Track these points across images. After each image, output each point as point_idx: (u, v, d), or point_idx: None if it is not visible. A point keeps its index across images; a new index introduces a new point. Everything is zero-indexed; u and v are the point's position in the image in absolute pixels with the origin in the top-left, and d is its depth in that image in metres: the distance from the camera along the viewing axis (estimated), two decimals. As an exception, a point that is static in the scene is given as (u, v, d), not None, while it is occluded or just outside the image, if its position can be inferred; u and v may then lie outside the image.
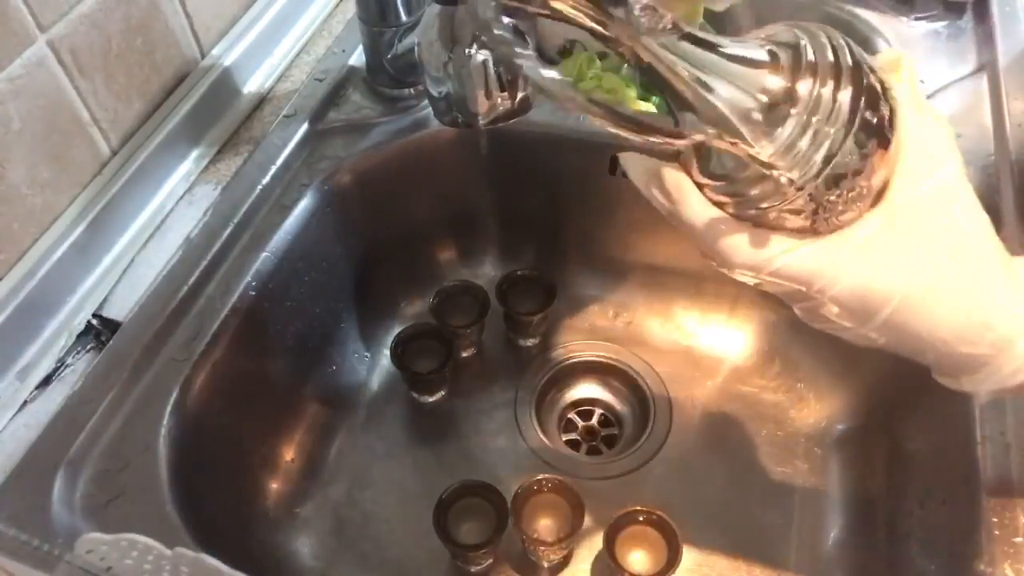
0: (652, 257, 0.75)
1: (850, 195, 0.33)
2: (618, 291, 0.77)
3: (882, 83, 0.34)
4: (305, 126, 0.66)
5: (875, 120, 0.32)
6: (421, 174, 0.70)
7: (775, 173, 0.32)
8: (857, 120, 0.32)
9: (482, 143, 0.70)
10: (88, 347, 0.54)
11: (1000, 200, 0.59)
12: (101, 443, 0.49)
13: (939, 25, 0.74)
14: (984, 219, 0.34)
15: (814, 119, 0.32)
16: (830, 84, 0.32)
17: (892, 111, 0.34)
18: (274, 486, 0.62)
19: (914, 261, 0.33)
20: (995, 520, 0.45)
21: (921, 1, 0.76)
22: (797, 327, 0.71)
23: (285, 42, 0.74)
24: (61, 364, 0.53)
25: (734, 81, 0.32)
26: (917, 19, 0.75)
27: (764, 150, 0.32)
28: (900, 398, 0.61)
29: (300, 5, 0.76)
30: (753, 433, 0.69)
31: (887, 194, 0.34)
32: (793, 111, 0.32)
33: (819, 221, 0.34)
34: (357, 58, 0.72)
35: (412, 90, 0.68)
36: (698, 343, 0.74)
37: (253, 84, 0.70)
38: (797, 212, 0.34)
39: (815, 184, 0.32)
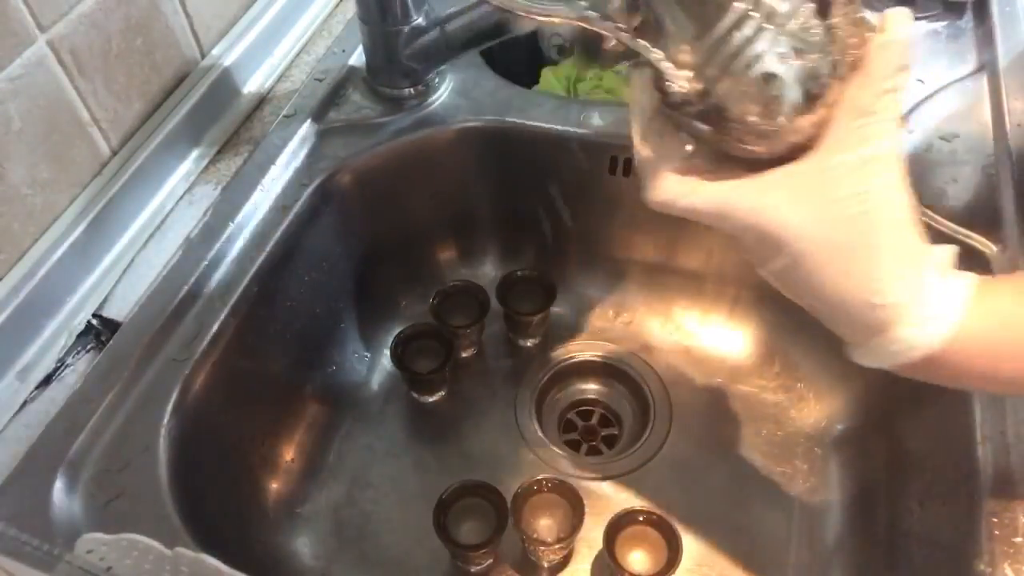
0: (652, 257, 0.75)
1: (746, 127, 0.33)
2: (618, 291, 0.77)
3: (833, 34, 0.32)
4: (305, 126, 0.66)
5: (798, 63, 0.32)
6: (421, 174, 0.70)
7: (669, 75, 0.33)
8: (766, 50, 0.31)
9: (482, 143, 0.70)
10: (88, 347, 0.54)
11: (1000, 200, 0.59)
12: (101, 443, 0.49)
13: (939, 25, 0.74)
14: (903, 203, 0.34)
15: (743, 29, 0.31)
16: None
17: (835, 67, 0.33)
18: (274, 486, 0.62)
19: (816, 216, 0.34)
20: (995, 520, 0.45)
21: (921, 1, 0.76)
22: (797, 327, 0.71)
23: (285, 42, 0.74)
24: (61, 364, 0.53)
25: None
26: (917, 19, 0.75)
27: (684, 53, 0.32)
28: (900, 398, 0.61)
29: (300, 5, 0.76)
30: (753, 433, 0.69)
31: (815, 147, 0.34)
32: (732, 8, 0.31)
33: (721, 140, 0.34)
34: (357, 58, 0.72)
35: (412, 90, 0.69)
36: (698, 343, 0.74)
37: (253, 84, 0.70)
38: (704, 120, 0.34)
39: (707, 97, 0.33)
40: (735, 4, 0.31)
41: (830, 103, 0.33)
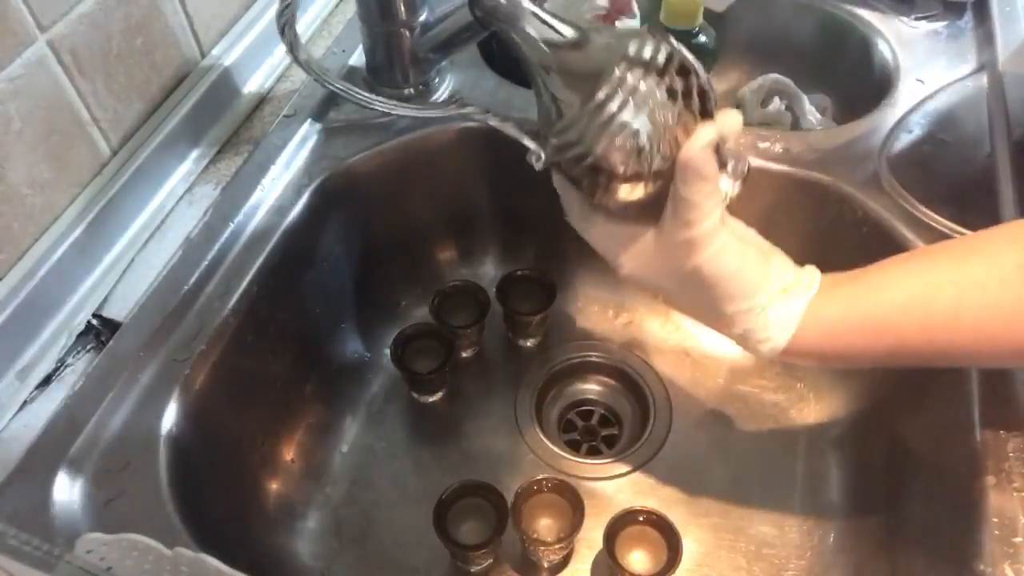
0: (652, 257, 0.75)
1: (619, 178, 0.43)
2: (618, 291, 0.77)
3: (676, 115, 0.41)
4: (305, 126, 0.66)
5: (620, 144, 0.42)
6: (421, 174, 0.70)
7: (527, 145, 0.46)
8: (602, 131, 0.41)
9: (482, 143, 0.70)
10: (88, 347, 0.54)
11: (1000, 200, 0.59)
12: (101, 443, 0.49)
13: (939, 25, 0.74)
14: (734, 258, 0.44)
15: (613, 102, 0.41)
16: (640, 76, 0.41)
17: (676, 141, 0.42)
18: (274, 486, 0.62)
19: (671, 282, 0.46)
20: (995, 520, 0.45)
21: (921, 1, 0.76)
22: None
23: (285, 42, 0.74)
24: (61, 364, 0.53)
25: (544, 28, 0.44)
26: (917, 19, 0.75)
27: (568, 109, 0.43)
28: (900, 398, 0.61)
29: (300, 5, 0.76)
30: (753, 433, 0.69)
31: (657, 227, 0.45)
32: (606, 85, 0.41)
33: (597, 192, 0.44)
34: (357, 58, 0.72)
35: (412, 90, 0.69)
36: (698, 343, 0.74)
37: (253, 84, 0.70)
38: (586, 176, 0.44)
39: (562, 163, 0.44)
40: (604, 86, 0.41)
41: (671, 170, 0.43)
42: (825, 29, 0.80)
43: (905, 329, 0.44)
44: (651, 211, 0.45)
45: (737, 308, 0.45)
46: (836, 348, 0.46)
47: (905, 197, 0.60)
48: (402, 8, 0.63)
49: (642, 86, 0.41)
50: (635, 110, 0.41)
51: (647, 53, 0.41)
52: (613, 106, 0.41)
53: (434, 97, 0.70)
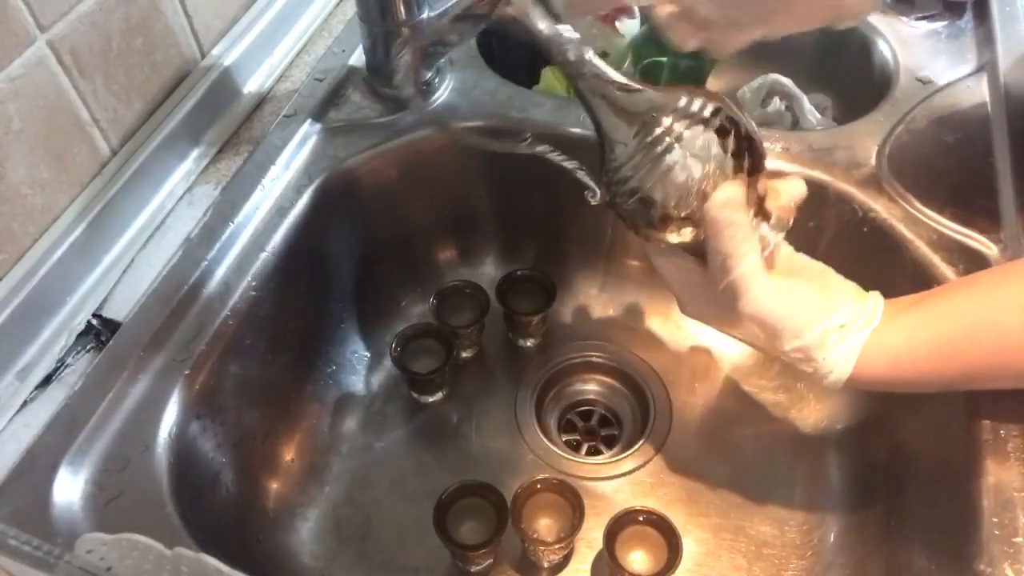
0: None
1: (666, 213, 0.46)
2: (618, 291, 0.77)
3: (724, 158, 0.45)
4: (305, 126, 0.66)
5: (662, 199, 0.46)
6: (421, 174, 0.70)
7: (584, 182, 0.49)
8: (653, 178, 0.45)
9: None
10: (88, 347, 0.54)
11: (1000, 200, 0.59)
12: (101, 443, 0.49)
13: (939, 25, 0.74)
14: (773, 311, 0.46)
15: (659, 147, 0.44)
16: (696, 127, 0.44)
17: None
18: (274, 486, 0.63)
19: (721, 321, 0.50)
20: (995, 520, 0.45)
21: (921, 1, 0.76)
22: (797, 327, 0.71)
23: (285, 42, 0.74)
24: (61, 364, 0.53)
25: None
26: (917, 19, 0.75)
27: (620, 154, 0.46)
28: (900, 398, 0.61)
29: (300, 5, 0.76)
30: (753, 433, 0.69)
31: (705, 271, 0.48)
32: (657, 128, 0.44)
33: (645, 229, 0.48)
34: (357, 58, 0.72)
35: (412, 89, 0.68)
36: (698, 343, 0.74)
37: (253, 84, 0.70)
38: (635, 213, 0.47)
39: (617, 198, 0.47)
40: (656, 128, 0.44)
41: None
42: (825, 29, 0.80)
43: (976, 354, 0.45)
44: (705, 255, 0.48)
45: (791, 345, 0.47)
46: (904, 376, 0.47)
47: (905, 197, 0.60)
48: (402, 8, 0.63)
49: (687, 134, 0.44)
50: (681, 154, 0.44)
51: (696, 106, 0.44)
52: (660, 147, 0.44)
53: (434, 96, 0.70)
